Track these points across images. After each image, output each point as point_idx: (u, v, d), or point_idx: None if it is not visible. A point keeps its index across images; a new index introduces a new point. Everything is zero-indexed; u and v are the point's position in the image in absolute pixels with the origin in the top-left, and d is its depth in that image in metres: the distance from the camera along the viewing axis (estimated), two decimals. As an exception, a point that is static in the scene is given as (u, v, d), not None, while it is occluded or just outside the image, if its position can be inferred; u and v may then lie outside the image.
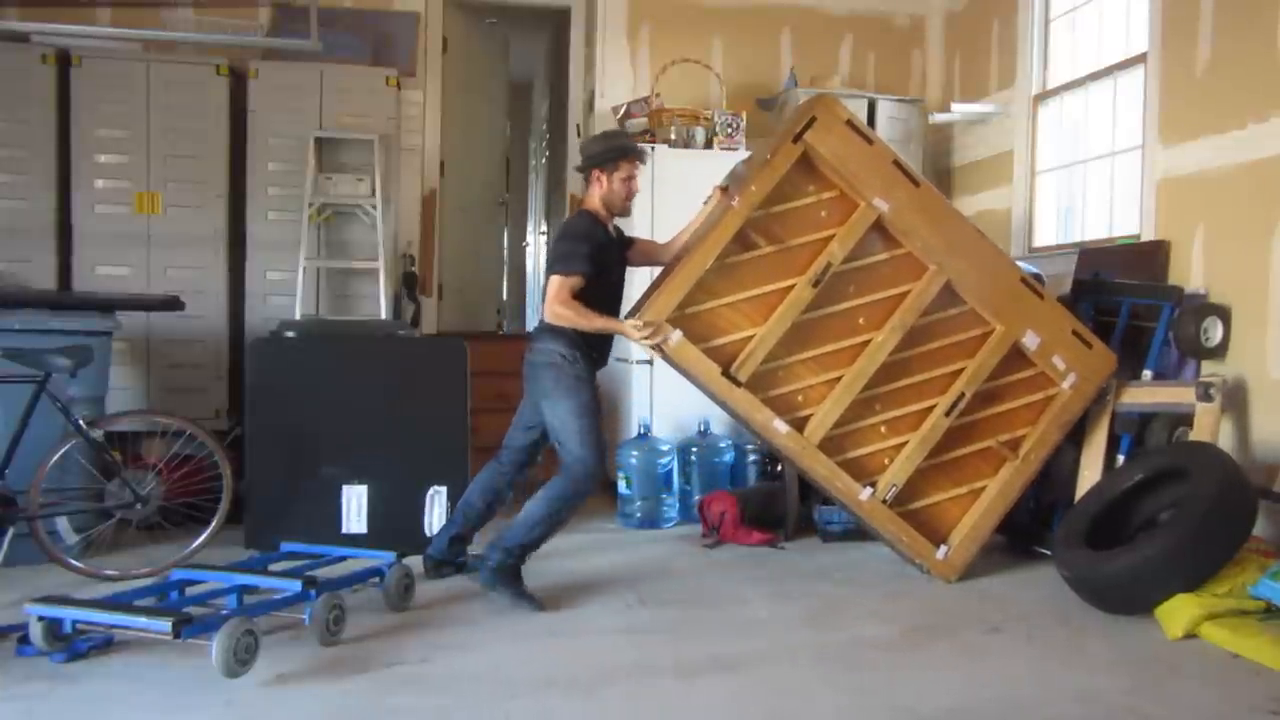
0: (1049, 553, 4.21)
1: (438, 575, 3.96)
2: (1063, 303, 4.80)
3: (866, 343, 4.03)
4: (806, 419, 4.00)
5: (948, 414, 4.07)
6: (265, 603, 3.15)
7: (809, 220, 4.01)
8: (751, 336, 3.93)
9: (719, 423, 5.19)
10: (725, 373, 3.87)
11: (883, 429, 4.10)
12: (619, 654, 3.16)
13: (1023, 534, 4.56)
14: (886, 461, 4.09)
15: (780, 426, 3.94)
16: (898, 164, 4.05)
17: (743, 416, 3.96)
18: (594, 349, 3.79)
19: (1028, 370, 4.20)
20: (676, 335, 3.79)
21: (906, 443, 4.08)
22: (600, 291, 3.77)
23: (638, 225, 5.36)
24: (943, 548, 4.07)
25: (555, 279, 3.68)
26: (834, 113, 3.96)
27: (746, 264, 3.94)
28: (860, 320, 4.06)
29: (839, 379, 4.01)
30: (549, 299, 3.68)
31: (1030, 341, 4.14)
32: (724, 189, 4.01)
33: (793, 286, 3.94)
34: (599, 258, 3.75)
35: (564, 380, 3.71)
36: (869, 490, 4.04)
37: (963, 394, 4.08)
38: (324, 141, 5.52)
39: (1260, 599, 3.36)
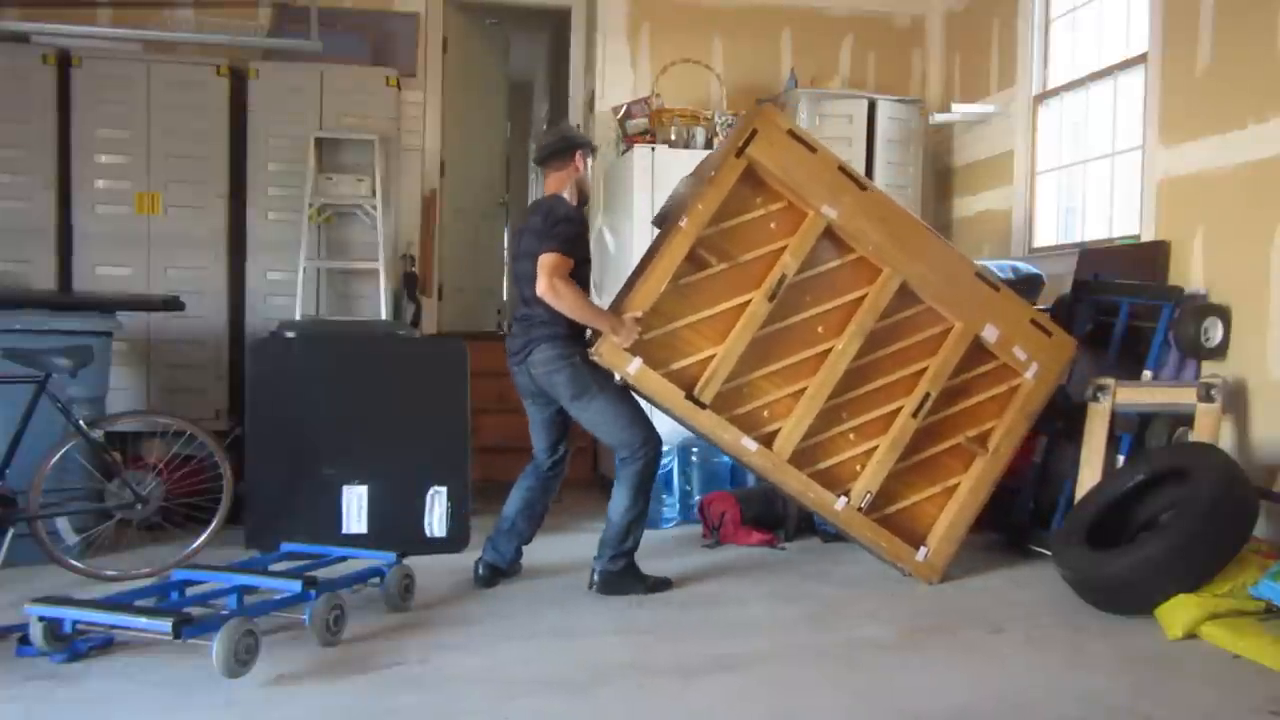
0: (1049, 553, 4.20)
1: (490, 584, 3.91)
2: (1062, 303, 4.82)
3: (828, 351, 4.00)
4: (775, 434, 3.97)
5: (915, 415, 4.04)
6: (265, 603, 3.15)
7: (759, 233, 3.96)
8: (712, 356, 3.88)
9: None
10: (689, 396, 3.83)
11: (852, 436, 4.07)
12: (619, 654, 3.16)
13: (1023, 534, 4.56)
14: (858, 468, 4.07)
15: (749, 444, 3.90)
16: (843, 169, 4.01)
17: (711, 437, 3.94)
18: (582, 336, 3.76)
19: (990, 364, 4.18)
20: (637, 363, 3.74)
21: (877, 448, 4.05)
22: (575, 279, 3.70)
23: (639, 226, 5.37)
24: (922, 549, 4.06)
25: (554, 255, 3.58)
26: (775, 123, 3.93)
27: (700, 284, 3.89)
28: (819, 329, 4.02)
29: (804, 390, 3.98)
30: (550, 273, 3.55)
31: (990, 335, 4.12)
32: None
33: (749, 302, 3.90)
34: (583, 247, 3.76)
35: (581, 378, 3.70)
36: (844, 500, 4.01)
37: (928, 394, 4.06)
38: (324, 141, 5.52)
39: (1260, 599, 3.36)
